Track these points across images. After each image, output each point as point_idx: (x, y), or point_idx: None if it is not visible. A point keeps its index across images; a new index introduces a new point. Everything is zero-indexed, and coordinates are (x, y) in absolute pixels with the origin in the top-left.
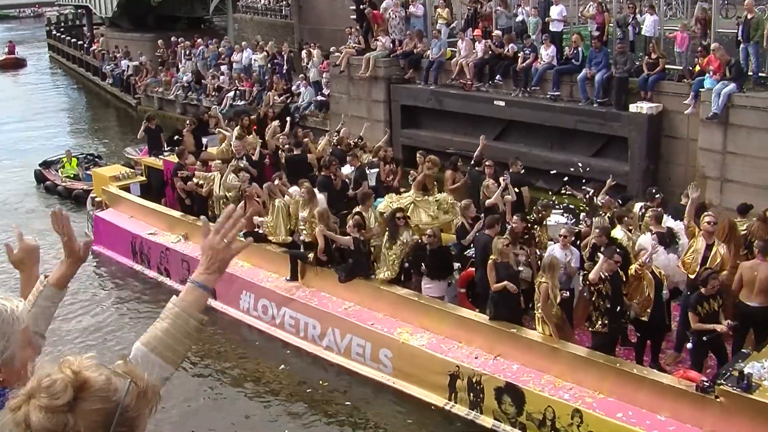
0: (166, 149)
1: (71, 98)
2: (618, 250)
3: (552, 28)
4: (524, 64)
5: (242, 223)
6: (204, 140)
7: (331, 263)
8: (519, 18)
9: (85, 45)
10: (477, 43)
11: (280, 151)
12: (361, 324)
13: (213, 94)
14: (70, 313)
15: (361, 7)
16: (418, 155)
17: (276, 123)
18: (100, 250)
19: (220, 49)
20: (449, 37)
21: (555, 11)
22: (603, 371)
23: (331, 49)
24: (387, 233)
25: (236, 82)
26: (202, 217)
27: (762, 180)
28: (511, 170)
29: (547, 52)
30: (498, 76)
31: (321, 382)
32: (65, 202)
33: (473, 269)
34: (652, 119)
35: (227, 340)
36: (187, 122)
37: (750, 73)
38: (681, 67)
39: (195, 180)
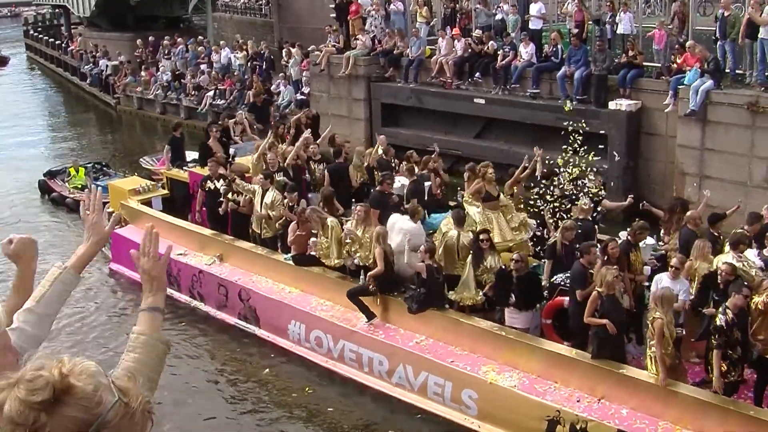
0: (190, 160)
1: (50, 98)
2: (745, 283)
3: (531, 25)
4: (504, 62)
5: (157, 235)
6: (231, 150)
7: (391, 290)
8: (498, 16)
9: (63, 45)
10: (457, 41)
11: (311, 162)
12: (440, 361)
13: (193, 93)
14: (88, 341)
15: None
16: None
17: (309, 132)
18: (121, 271)
19: (199, 48)
20: (429, 36)
21: (534, 9)
22: (724, 415)
23: (311, 48)
24: (471, 257)
25: (215, 81)
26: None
27: (740, 176)
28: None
29: (526, 50)
30: (478, 74)
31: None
32: (74, 216)
33: (561, 298)
34: (631, 116)
35: (276, 373)
36: (212, 129)
37: (727, 71)
38: (659, 65)
39: (233, 196)
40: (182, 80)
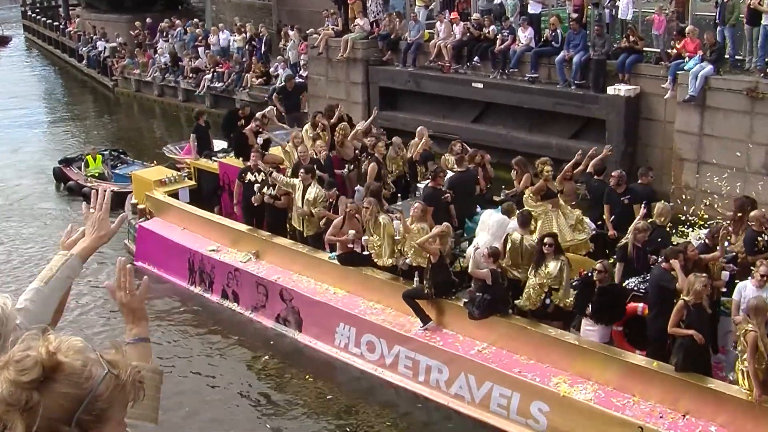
0: (219, 150)
1: (47, 80)
2: None
3: (530, 10)
4: (502, 46)
5: (131, 270)
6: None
7: (448, 293)
8: (497, 0)
9: (62, 26)
10: (455, 25)
11: (366, 156)
12: (507, 371)
13: (190, 76)
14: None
15: None
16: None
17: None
18: (146, 267)
19: (197, 31)
20: (427, 20)
21: None
22: None
23: (309, 31)
24: (533, 261)
25: (213, 64)
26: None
27: (738, 162)
28: (639, 181)
29: (525, 34)
30: (476, 58)
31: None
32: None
33: (635, 304)
34: (629, 101)
35: (316, 379)
36: (242, 115)
37: (726, 56)
38: (659, 50)
39: (268, 190)
40: (180, 63)
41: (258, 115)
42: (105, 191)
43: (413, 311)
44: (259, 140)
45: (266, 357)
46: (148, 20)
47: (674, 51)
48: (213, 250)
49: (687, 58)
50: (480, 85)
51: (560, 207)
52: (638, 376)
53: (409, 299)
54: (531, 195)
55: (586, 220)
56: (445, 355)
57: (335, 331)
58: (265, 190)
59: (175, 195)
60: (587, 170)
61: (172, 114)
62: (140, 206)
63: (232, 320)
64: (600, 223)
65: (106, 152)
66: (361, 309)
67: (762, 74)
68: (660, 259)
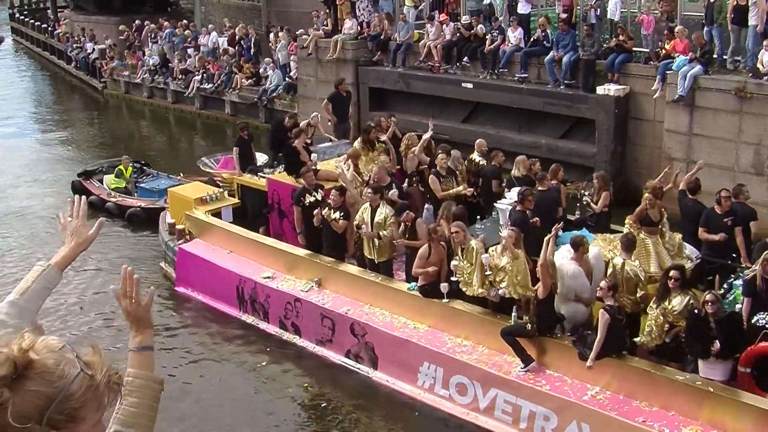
0: (265, 165)
1: (36, 82)
2: None
3: (520, 10)
4: (492, 47)
5: (137, 280)
6: (312, 154)
7: (551, 330)
8: (486, 0)
9: (50, 28)
10: (445, 25)
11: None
12: (630, 421)
13: (180, 77)
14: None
15: None
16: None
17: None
18: (188, 293)
19: (186, 32)
20: (417, 20)
21: None
22: None
23: (299, 32)
24: (656, 294)
25: (203, 65)
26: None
27: (727, 162)
28: (735, 200)
29: (514, 35)
30: (466, 59)
31: None
32: (115, 221)
33: (766, 344)
34: (619, 101)
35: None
36: (290, 129)
37: (715, 56)
38: (648, 50)
39: (328, 212)
40: (169, 64)
41: (303, 125)
42: (81, 199)
43: (513, 350)
44: (314, 156)
45: (335, 394)
46: (136, 22)
47: (663, 51)
48: (268, 278)
49: (676, 58)
50: (470, 86)
51: (660, 232)
52: None
53: (509, 337)
54: (631, 224)
55: (688, 246)
56: (554, 401)
57: (418, 370)
58: (328, 212)
59: (217, 214)
60: (680, 188)
61: (161, 116)
62: (178, 226)
63: (292, 353)
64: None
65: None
66: (448, 347)
67: (750, 74)
68: None
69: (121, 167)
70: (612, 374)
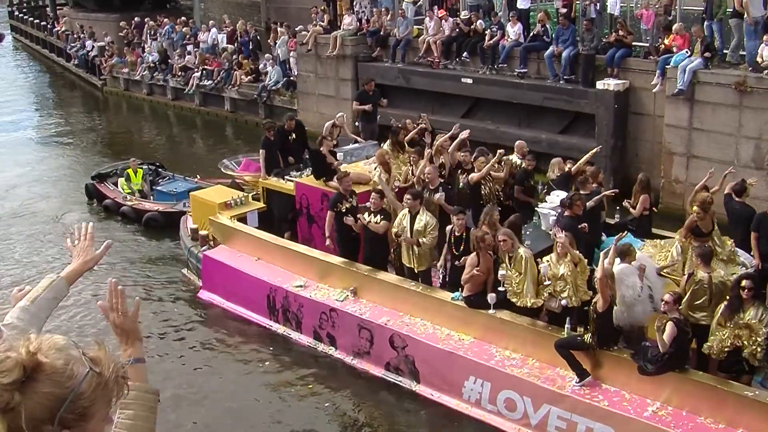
0: (293, 168)
1: (36, 80)
2: None
3: (519, 5)
4: (491, 42)
5: (122, 291)
6: (339, 155)
7: (610, 342)
8: None
9: (49, 26)
10: (444, 21)
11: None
12: None
13: (179, 74)
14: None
15: None
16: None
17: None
18: (214, 301)
19: (185, 29)
20: (416, 15)
21: None
22: None
23: (299, 28)
24: (725, 304)
25: (202, 62)
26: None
27: (727, 156)
28: None
29: (513, 30)
30: (465, 54)
31: None
32: (132, 226)
33: None
34: (618, 96)
35: None
36: (291, 132)
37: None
38: (647, 44)
39: (365, 216)
40: (169, 61)
41: (327, 125)
42: (88, 224)
43: (568, 364)
44: (339, 156)
45: (375, 407)
46: (136, 19)
47: (663, 45)
48: (300, 287)
49: (676, 52)
50: (469, 81)
51: (712, 241)
52: None
53: (564, 350)
54: (682, 238)
55: (741, 253)
56: (613, 418)
57: (463, 384)
58: (366, 216)
59: (242, 219)
60: (726, 191)
61: (161, 113)
62: (202, 232)
63: (326, 364)
64: None
65: (144, 167)
66: (496, 360)
67: (750, 68)
68: None
69: (129, 171)
70: (673, 388)
